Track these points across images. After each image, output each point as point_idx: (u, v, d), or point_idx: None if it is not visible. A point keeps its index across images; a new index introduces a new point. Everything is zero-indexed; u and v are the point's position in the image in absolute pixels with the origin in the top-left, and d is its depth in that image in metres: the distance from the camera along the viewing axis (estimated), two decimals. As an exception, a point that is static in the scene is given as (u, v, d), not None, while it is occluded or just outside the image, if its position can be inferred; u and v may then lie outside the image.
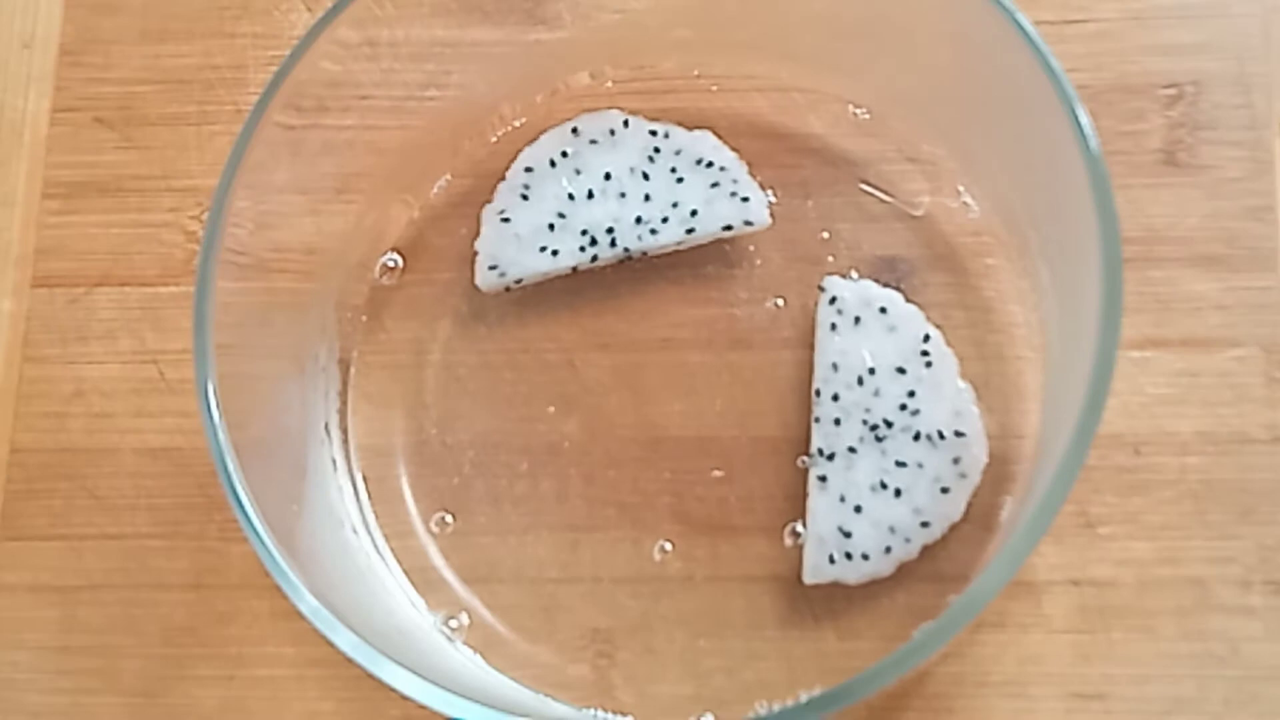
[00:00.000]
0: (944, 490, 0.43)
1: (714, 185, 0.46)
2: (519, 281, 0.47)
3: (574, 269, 0.47)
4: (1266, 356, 0.44)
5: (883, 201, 0.47)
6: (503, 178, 0.47)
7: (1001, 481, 0.43)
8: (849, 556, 0.42)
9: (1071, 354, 0.38)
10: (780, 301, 0.46)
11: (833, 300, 0.45)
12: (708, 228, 0.46)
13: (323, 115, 0.43)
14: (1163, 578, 0.43)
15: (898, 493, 0.43)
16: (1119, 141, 0.47)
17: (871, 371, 0.44)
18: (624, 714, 0.43)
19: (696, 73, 0.49)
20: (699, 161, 0.47)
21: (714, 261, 0.47)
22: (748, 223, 0.46)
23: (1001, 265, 0.46)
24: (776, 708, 0.41)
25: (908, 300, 0.45)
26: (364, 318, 0.48)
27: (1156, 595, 0.43)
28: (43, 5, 0.53)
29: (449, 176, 0.49)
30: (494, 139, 0.49)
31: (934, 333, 0.44)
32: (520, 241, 0.46)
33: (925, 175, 0.47)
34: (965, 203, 0.47)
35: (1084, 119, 0.37)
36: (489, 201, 0.47)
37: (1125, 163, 0.46)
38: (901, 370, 0.44)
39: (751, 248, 0.47)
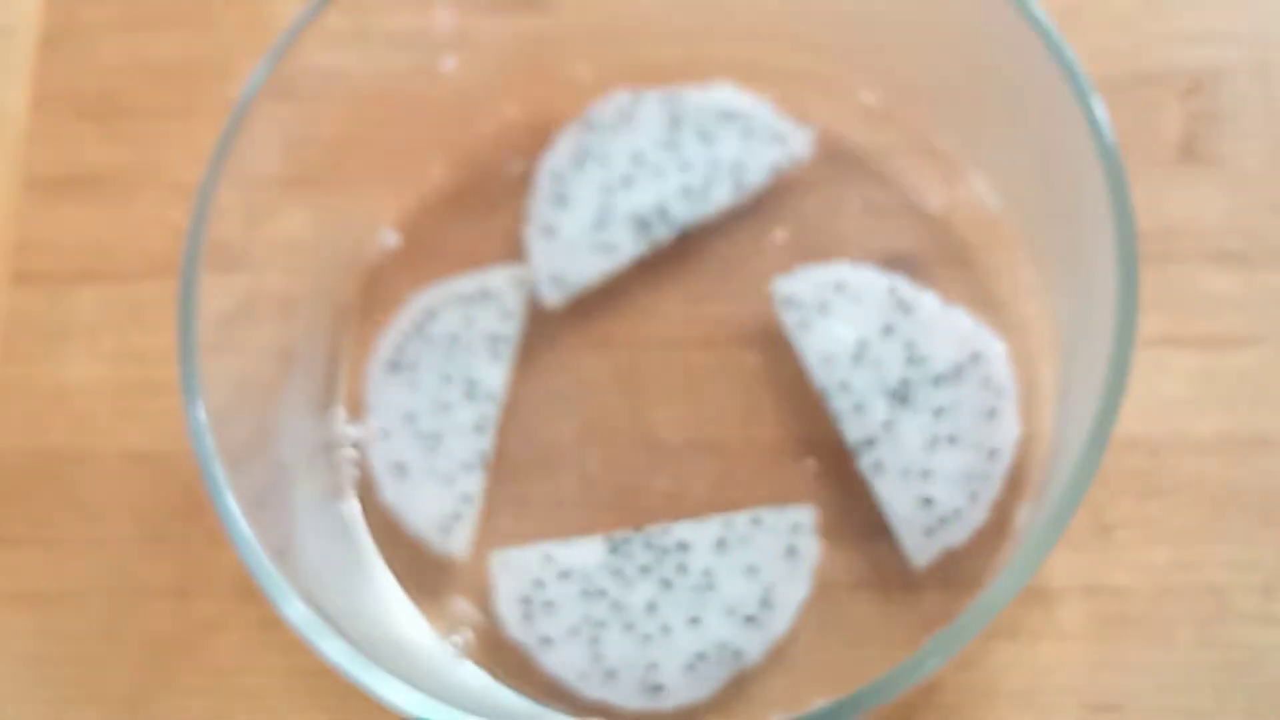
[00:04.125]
0: (992, 415, 0.42)
1: (747, 133, 0.46)
2: (584, 289, 0.46)
3: (635, 260, 0.46)
4: (1288, 355, 0.44)
5: (894, 195, 0.46)
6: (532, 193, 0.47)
7: (1016, 485, 0.42)
8: (944, 521, 0.41)
9: (1087, 353, 0.38)
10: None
11: (789, 300, 0.44)
12: (756, 177, 0.46)
13: (313, 107, 0.43)
14: (1180, 585, 0.42)
15: (952, 439, 0.42)
16: (1135, 133, 0.46)
17: (862, 345, 0.43)
18: (623, 727, 0.42)
19: (699, 61, 0.48)
20: (722, 114, 0.46)
21: (714, 260, 0.46)
22: (794, 159, 0.46)
23: (1015, 260, 0.45)
24: (786, 717, 0.41)
25: (855, 265, 0.44)
26: (355, 314, 0.47)
27: (1174, 603, 0.42)
28: (22, -7, 0.52)
29: (443, 169, 0.48)
30: (489, 130, 0.49)
31: (897, 281, 0.44)
32: (573, 249, 0.45)
33: (937, 168, 0.46)
34: (978, 196, 0.46)
35: (1099, 111, 0.37)
36: (525, 222, 0.46)
37: (1141, 155, 0.46)
38: (888, 329, 0.43)
39: (752, 247, 0.46)
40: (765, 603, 0.41)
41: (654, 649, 0.41)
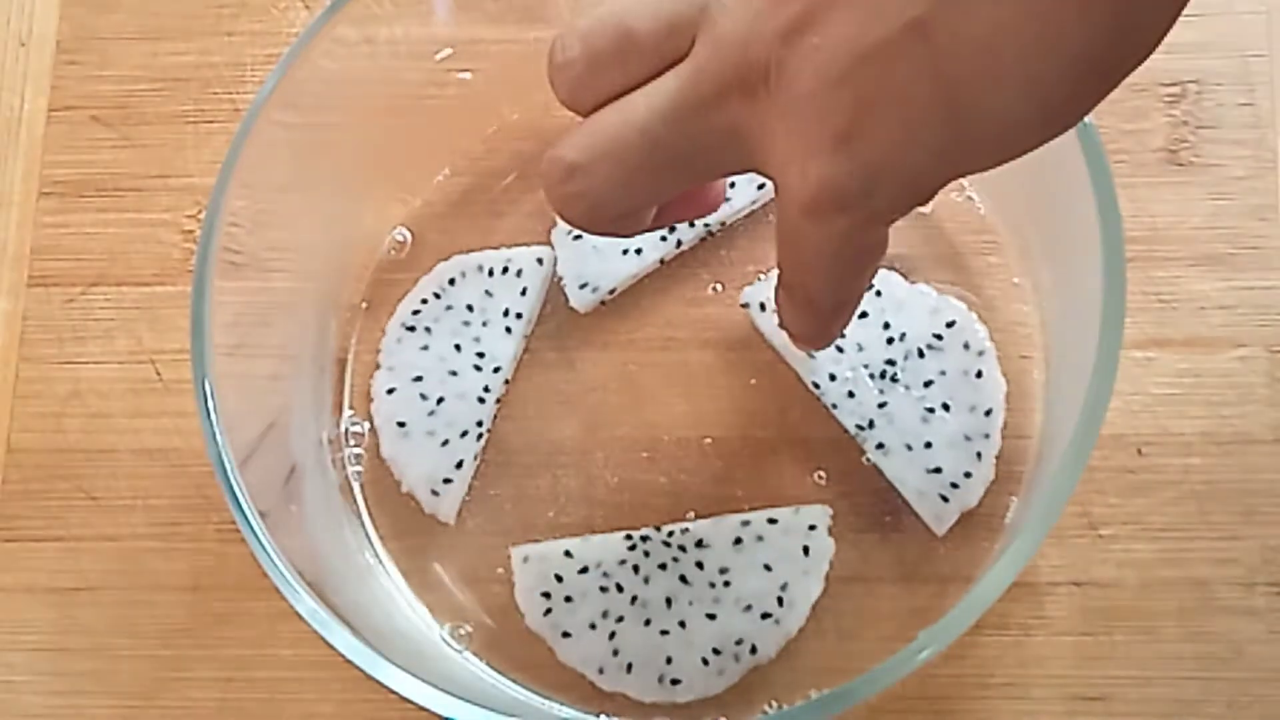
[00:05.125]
0: (978, 375, 0.43)
1: None
2: (613, 291, 0.46)
3: (661, 260, 0.46)
4: (1270, 356, 0.44)
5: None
6: None
7: (1005, 482, 0.43)
8: (955, 486, 0.42)
9: (1074, 354, 0.38)
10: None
11: (762, 306, 0.45)
12: None
13: (321, 113, 0.43)
14: (1165, 579, 0.43)
15: (946, 407, 0.43)
16: (1122, 140, 0.46)
17: (842, 335, 0.44)
18: (627, 716, 0.42)
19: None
20: None
21: (714, 263, 0.47)
22: None
23: (1004, 263, 0.46)
24: (785, 707, 0.42)
25: None
26: (362, 317, 0.48)
27: (1159, 597, 0.43)
28: (39, 3, 0.53)
29: (447, 174, 0.49)
30: (493, 135, 0.49)
31: None
32: (600, 253, 0.46)
33: (927, 174, 0.47)
34: (970, 198, 0.46)
35: (1086, 117, 0.36)
36: (553, 225, 0.47)
37: (1128, 161, 0.46)
38: (863, 315, 0.44)
39: (750, 249, 0.47)
40: (780, 600, 0.42)
41: (671, 644, 0.42)
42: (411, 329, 0.46)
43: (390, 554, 0.45)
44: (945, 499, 0.42)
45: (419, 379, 0.45)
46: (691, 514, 0.44)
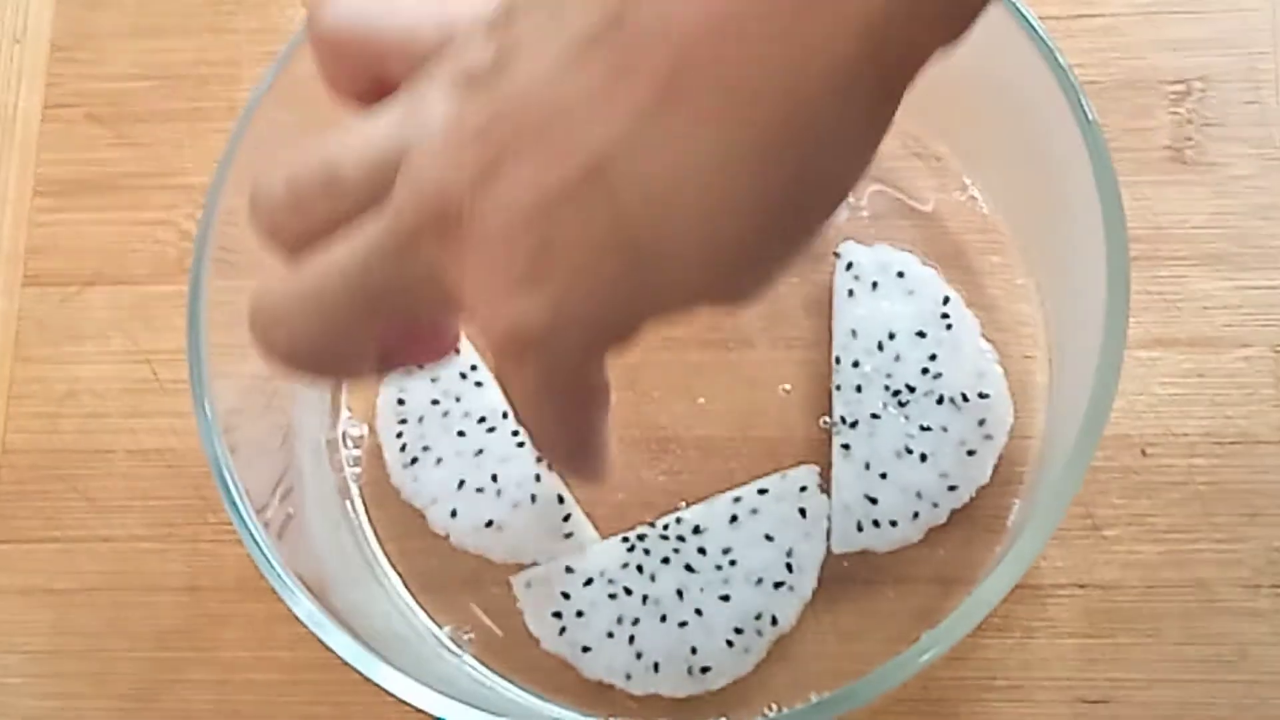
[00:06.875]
0: (970, 453, 0.42)
1: None
2: None
3: None
4: (1275, 356, 0.44)
5: (889, 198, 0.46)
6: None
7: (1008, 483, 0.43)
8: (876, 524, 0.42)
9: (1078, 353, 0.38)
10: (781, 301, 0.46)
11: (849, 266, 0.45)
12: None
13: (319, 110, 0.43)
14: (1169, 580, 0.43)
15: (923, 457, 0.42)
16: (1126, 138, 0.46)
17: (891, 336, 0.44)
18: (629, 718, 0.42)
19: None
20: None
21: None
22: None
23: (1007, 263, 0.45)
24: (785, 710, 0.41)
25: (924, 263, 0.45)
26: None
27: (1163, 598, 0.42)
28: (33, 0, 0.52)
29: (446, 173, 0.49)
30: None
31: (953, 294, 0.44)
32: None
33: (932, 172, 0.47)
34: (972, 197, 0.46)
35: (1091, 115, 0.37)
36: None
37: (1132, 160, 0.46)
38: (921, 334, 0.44)
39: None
40: (790, 566, 0.42)
41: (692, 633, 0.41)
42: (414, 461, 0.44)
43: (389, 556, 0.45)
44: (860, 528, 0.42)
45: (462, 484, 0.44)
46: (683, 503, 0.44)
